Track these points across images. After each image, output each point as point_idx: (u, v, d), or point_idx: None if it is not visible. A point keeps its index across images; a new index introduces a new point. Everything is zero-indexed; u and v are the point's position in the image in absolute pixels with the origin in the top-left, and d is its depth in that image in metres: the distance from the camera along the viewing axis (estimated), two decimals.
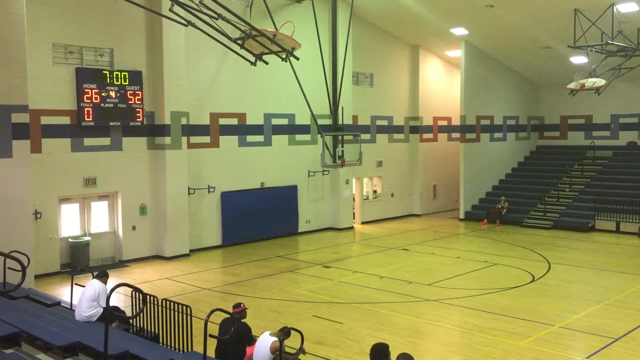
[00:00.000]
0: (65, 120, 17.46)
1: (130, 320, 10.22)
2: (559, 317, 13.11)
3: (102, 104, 17.82)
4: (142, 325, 10.30)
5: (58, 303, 11.26)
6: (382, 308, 13.91)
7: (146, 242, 19.39)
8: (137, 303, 10.67)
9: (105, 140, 18.29)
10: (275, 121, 22.89)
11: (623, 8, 20.66)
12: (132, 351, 8.07)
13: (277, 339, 8.17)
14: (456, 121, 29.39)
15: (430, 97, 29.44)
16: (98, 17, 17.98)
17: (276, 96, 22.72)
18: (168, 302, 10.00)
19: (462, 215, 27.85)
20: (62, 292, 14.67)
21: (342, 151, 19.08)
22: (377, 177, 27.64)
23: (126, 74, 18.31)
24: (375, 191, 27.76)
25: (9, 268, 10.66)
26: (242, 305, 9.43)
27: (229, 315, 8.51)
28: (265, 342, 8.27)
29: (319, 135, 21.94)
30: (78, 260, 17.50)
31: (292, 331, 8.72)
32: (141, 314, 9.78)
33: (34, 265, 14.00)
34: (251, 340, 9.24)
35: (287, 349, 8.71)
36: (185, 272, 17.76)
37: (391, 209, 28.16)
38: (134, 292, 10.26)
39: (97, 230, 18.65)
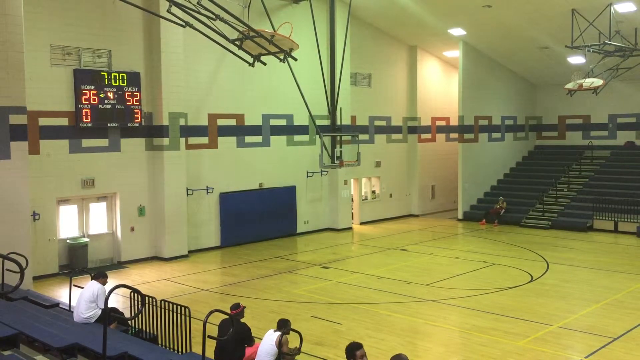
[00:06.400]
0: (63, 121, 17.44)
1: (129, 322, 10.22)
2: (558, 317, 13.12)
3: (100, 105, 17.80)
4: (140, 327, 10.30)
5: (56, 304, 11.26)
6: (380, 308, 13.91)
7: (145, 243, 19.37)
8: (136, 304, 10.66)
9: (104, 142, 18.28)
10: (273, 122, 22.89)
11: (621, 8, 20.68)
12: (131, 352, 8.07)
13: (281, 333, 8.45)
14: (454, 121, 29.41)
15: (429, 97, 29.47)
16: (96, 18, 17.97)
17: (274, 97, 22.72)
18: (167, 303, 10.00)
19: (460, 216, 27.87)
20: (61, 294, 14.65)
21: (341, 152, 19.07)
22: (375, 177, 27.64)
23: (124, 75, 18.30)
24: (373, 191, 27.76)
25: (7, 270, 10.68)
26: (240, 305, 9.44)
27: (227, 316, 8.52)
28: (270, 337, 8.47)
29: (317, 136, 21.91)
30: (76, 261, 17.49)
31: (290, 331, 8.80)
32: (140, 315, 9.79)
33: (32, 266, 13.98)
34: (251, 341, 9.25)
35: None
36: (183, 273, 17.75)
37: (390, 209, 28.17)
38: (132, 294, 10.25)
39: (95, 231, 18.63)
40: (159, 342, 10.02)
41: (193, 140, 20.34)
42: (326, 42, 22.13)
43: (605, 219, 24.25)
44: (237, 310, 9.29)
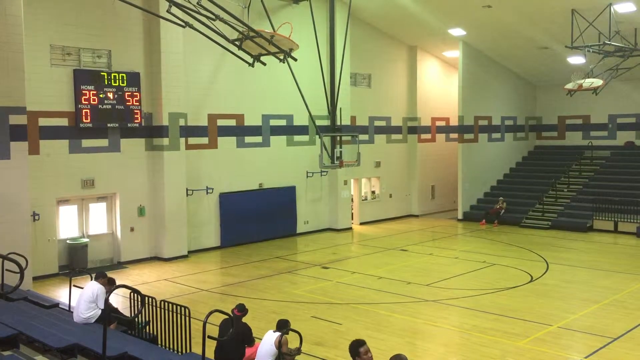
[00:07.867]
0: (63, 121, 17.44)
1: (134, 320, 10.20)
2: (557, 317, 13.13)
3: (100, 106, 17.81)
4: (140, 326, 10.30)
5: (56, 305, 11.26)
6: (380, 309, 13.91)
7: (144, 243, 19.37)
8: (136, 304, 10.66)
9: (103, 142, 18.28)
10: (273, 122, 22.90)
11: (620, 8, 20.68)
12: (131, 352, 8.06)
13: (281, 334, 8.49)
14: (454, 121, 29.40)
15: (428, 97, 29.47)
16: (96, 18, 17.97)
17: (274, 97, 22.73)
18: (166, 304, 10.00)
19: (460, 216, 27.87)
20: (61, 294, 14.65)
21: (341, 152, 19.06)
22: (375, 177, 27.64)
23: (124, 75, 18.30)
24: (373, 192, 27.76)
25: (7, 270, 10.68)
26: (245, 308, 9.45)
27: (228, 316, 8.53)
28: (269, 338, 8.51)
29: (317, 136, 21.92)
30: (76, 261, 17.49)
31: (290, 331, 8.81)
32: (140, 315, 9.79)
33: (32, 267, 13.98)
34: (251, 341, 9.25)
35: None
36: (183, 273, 17.75)
37: (389, 209, 28.17)
38: (132, 294, 10.24)
39: (95, 231, 18.63)
40: (159, 342, 10.02)
41: (193, 140, 20.34)
42: (326, 42, 22.13)
43: (605, 219, 24.24)
44: (242, 312, 9.29)
